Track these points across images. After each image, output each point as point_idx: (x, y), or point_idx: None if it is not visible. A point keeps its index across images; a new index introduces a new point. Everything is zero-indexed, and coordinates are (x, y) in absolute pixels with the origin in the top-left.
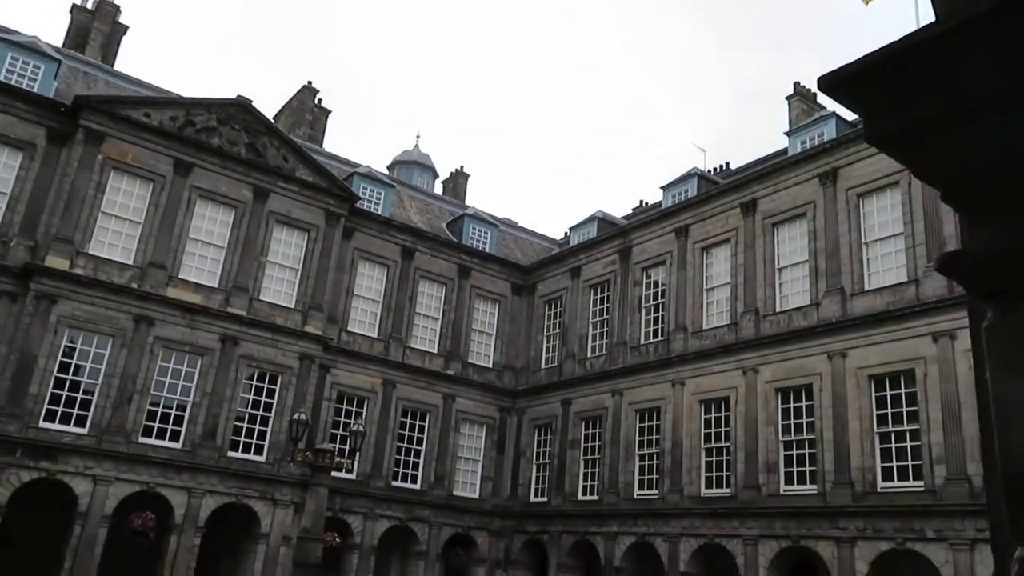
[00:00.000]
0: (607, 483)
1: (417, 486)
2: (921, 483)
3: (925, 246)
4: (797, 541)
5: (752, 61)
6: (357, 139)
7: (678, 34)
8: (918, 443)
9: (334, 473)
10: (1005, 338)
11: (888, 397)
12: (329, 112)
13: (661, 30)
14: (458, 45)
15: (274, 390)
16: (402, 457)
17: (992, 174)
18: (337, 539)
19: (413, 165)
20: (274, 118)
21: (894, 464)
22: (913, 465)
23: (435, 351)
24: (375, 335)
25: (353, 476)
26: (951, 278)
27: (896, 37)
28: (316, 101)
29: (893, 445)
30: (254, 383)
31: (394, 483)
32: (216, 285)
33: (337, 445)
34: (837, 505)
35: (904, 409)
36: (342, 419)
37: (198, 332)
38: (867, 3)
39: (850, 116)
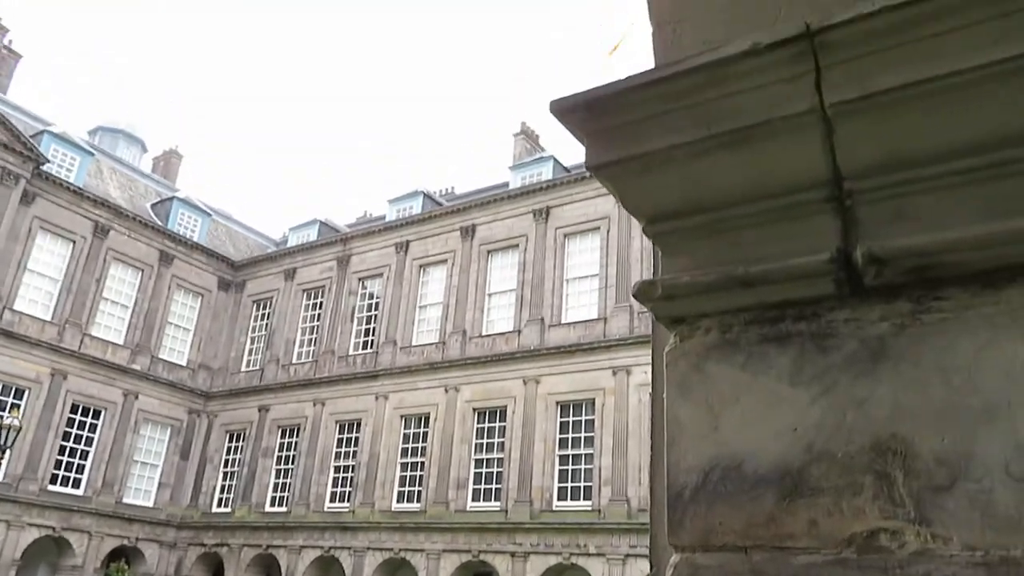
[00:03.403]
0: (298, 494)
1: (80, 491)
2: (590, 503)
3: (616, 288)
4: (477, 555)
5: (496, 97)
6: (57, 98)
7: (430, 63)
8: (591, 466)
9: None
10: (681, 362)
11: (571, 423)
12: (20, 57)
13: (413, 56)
14: (192, 34)
15: None
16: (65, 458)
17: (682, 214)
18: None
19: (120, 135)
20: None
21: (569, 484)
22: (585, 486)
23: (121, 342)
24: (48, 317)
25: (0, 477)
26: (643, 303)
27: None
28: (6, 42)
29: (570, 467)
30: None
31: (52, 487)
32: None
33: None
34: (516, 521)
35: (583, 434)
36: None
37: None
38: (611, 54)
39: (567, 161)
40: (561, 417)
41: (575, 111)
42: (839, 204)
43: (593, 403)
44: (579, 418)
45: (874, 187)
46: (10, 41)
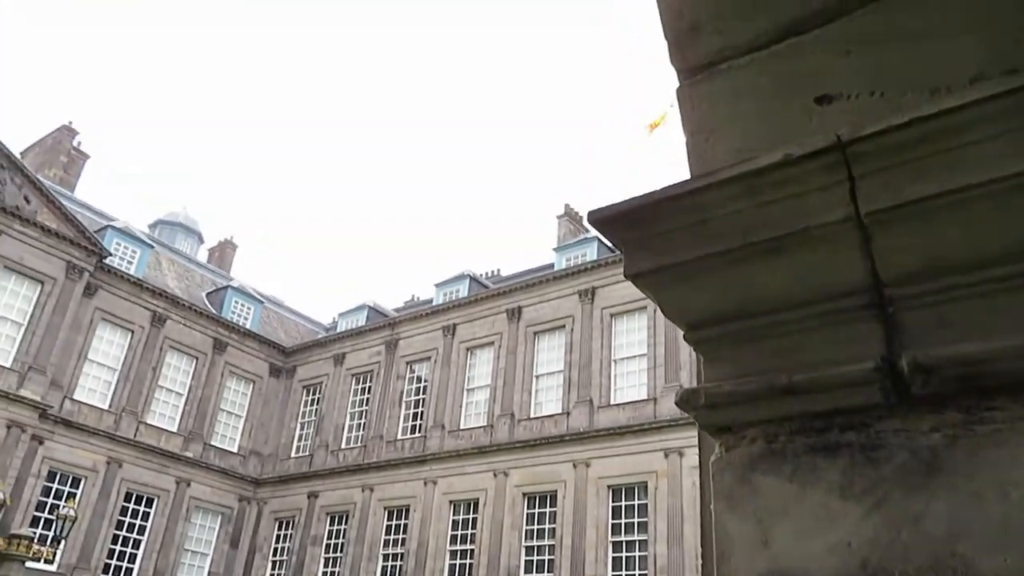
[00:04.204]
0: None
1: None
2: None
3: (664, 368)
4: None
5: (540, 179)
6: (121, 193)
7: (473, 149)
8: (645, 553)
9: (30, 564)
10: (728, 473)
11: (623, 507)
12: (88, 157)
13: (457, 142)
14: (241, 128)
15: None
16: (118, 547)
17: (722, 321)
18: None
19: (178, 227)
20: (21, 154)
21: (623, 573)
22: (640, 575)
23: (175, 429)
24: (106, 406)
25: (54, 568)
26: (687, 411)
27: (660, 184)
28: (75, 143)
29: (624, 554)
30: None
31: None
32: None
33: (39, 531)
34: None
35: (636, 520)
36: (50, 500)
37: None
38: (651, 130)
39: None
40: (613, 502)
41: (612, 222)
42: (881, 311)
43: (645, 487)
44: (631, 502)
45: (915, 294)
46: (79, 143)
